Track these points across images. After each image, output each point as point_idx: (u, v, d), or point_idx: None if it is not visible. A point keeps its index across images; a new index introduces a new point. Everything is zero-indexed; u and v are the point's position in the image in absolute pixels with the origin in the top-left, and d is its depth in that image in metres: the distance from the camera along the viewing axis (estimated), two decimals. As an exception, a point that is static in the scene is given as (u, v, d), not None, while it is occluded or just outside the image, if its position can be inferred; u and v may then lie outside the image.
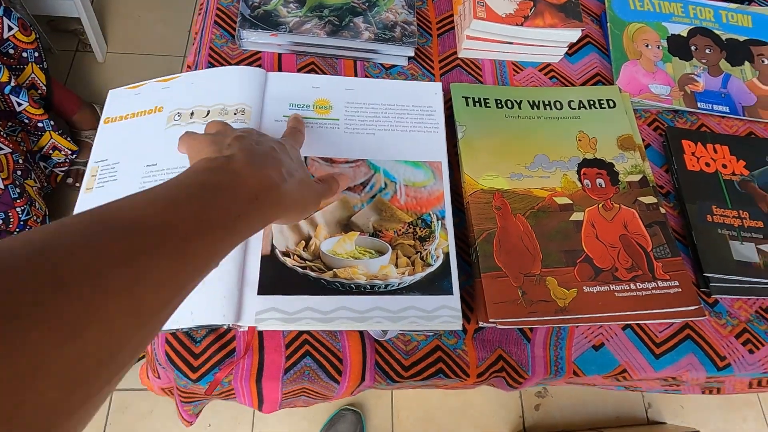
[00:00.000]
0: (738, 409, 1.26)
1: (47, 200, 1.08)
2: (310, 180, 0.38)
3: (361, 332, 0.46)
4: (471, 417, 1.19)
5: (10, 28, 1.00)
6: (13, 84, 0.99)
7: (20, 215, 0.96)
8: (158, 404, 1.11)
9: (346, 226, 0.46)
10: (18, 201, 0.95)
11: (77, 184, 1.25)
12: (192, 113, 0.49)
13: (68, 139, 1.16)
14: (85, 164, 1.26)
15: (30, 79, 1.09)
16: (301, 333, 0.45)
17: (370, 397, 1.17)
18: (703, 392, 0.52)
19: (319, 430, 1.11)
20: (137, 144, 0.49)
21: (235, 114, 0.48)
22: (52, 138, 1.13)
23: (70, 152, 1.17)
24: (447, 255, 0.46)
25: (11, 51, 1.03)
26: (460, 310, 0.44)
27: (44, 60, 1.11)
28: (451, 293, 0.44)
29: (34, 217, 0.99)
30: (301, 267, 0.43)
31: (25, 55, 1.07)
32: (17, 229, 0.96)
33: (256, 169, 0.31)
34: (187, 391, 0.45)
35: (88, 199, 0.47)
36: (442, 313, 0.43)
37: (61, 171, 1.20)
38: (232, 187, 0.29)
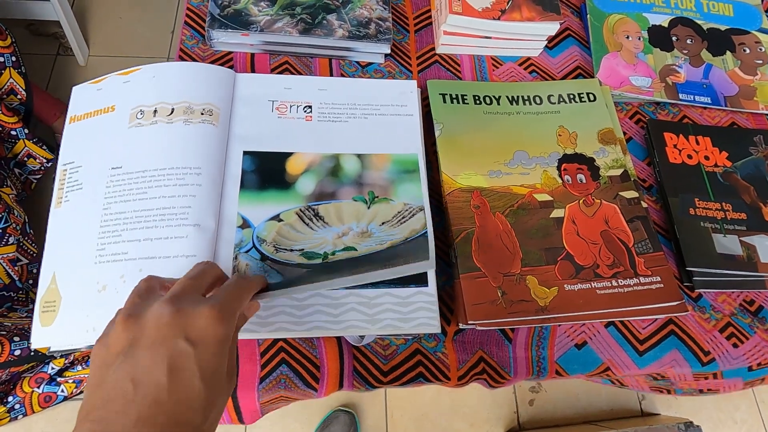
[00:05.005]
0: (730, 398, 1.26)
1: (24, 207, 1.06)
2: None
3: (338, 338, 0.45)
4: (465, 415, 1.18)
5: (-17, 34, 0.98)
6: None
7: (-2, 224, 0.94)
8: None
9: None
10: (-5, 210, 0.93)
11: None
12: (155, 111, 0.45)
13: (43, 147, 1.14)
14: None
15: (8, 84, 1.07)
16: (276, 340, 0.44)
17: (364, 398, 1.16)
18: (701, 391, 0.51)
19: (312, 432, 1.10)
20: (100, 145, 0.45)
21: (202, 114, 0.46)
22: (26, 146, 1.11)
23: (45, 160, 1.15)
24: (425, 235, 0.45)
25: (-13, 56, 1.01)
26: (437, 310, 0.43)
27: (22, 64, 1.09)
28: (426, 285, 0.43)
29: (13, 225, 0.97)
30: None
31: (1, 59, 1.05)
32: (-5, 239, 0.94)
33: None
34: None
35: (58, 214, 0.44)
36: (420, 315, 0.42)
37: (35, 178, 1.18)
38: None
